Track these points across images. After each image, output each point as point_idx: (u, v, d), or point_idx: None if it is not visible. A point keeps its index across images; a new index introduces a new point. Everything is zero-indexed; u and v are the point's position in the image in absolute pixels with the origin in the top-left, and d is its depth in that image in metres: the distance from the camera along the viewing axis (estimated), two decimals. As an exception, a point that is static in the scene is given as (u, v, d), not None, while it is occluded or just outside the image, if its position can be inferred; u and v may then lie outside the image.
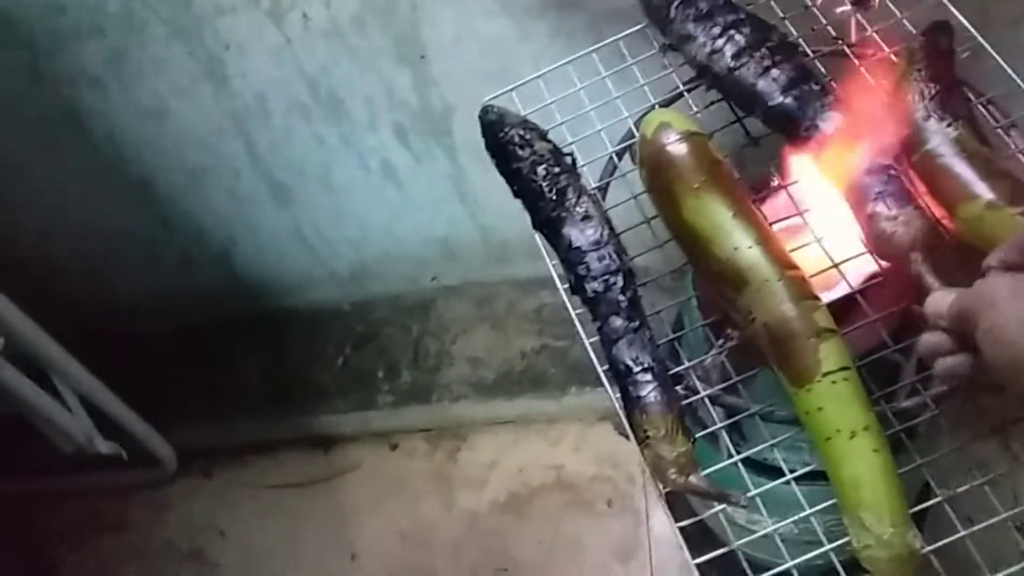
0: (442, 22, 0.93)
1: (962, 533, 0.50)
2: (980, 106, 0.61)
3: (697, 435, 0.56)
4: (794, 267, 0.55)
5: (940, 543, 0.50)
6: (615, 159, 0.69)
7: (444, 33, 0.94)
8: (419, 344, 1.38)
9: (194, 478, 1.39)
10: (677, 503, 0.73)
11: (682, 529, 0.56)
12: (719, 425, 0.58)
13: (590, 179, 0.67)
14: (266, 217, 1.23)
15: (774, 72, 0.60)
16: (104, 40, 0.97)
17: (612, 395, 0.58)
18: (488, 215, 1.21)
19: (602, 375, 0.60)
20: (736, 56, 0.61)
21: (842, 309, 0.59)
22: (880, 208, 0.54)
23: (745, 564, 0.55)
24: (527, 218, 0.65)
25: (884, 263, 0.56)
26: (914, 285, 0.52)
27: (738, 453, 0.57)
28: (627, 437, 0.66)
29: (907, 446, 0.54)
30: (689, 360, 0.60)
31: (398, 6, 0.91)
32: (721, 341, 0.61)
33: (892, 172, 0.55)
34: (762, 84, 0.60)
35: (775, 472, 0.56)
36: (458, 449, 1.34)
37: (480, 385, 1.33)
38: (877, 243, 0.55)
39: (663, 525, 1.16)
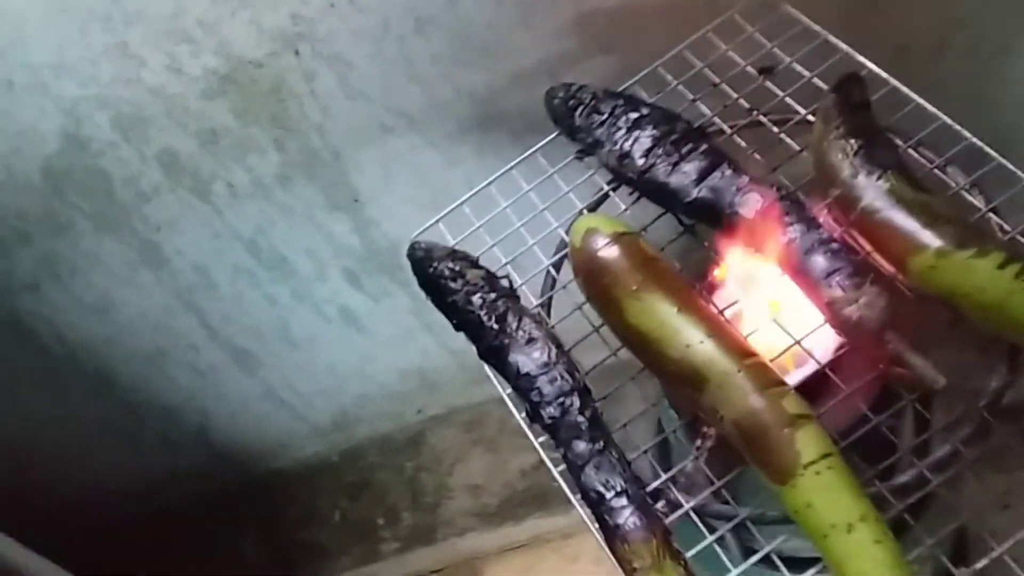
0: (367, 164, 0.92)
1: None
2: (911, 150, 0.59)
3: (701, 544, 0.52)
4: (752, 354, 0.52)
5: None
6: (553, 272, 0.66)
7: (372, 174, 0.93)
8: (415, 482, 1.33)
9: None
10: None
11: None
12: (711, 538, 0.53)
13: (531, 298, 0.65)
14: (235, 385, 1.20)
15: (684, 167, 0.58)
16: (32, 246, 0.96)
17: (590, 524, 0.54)
18: (457, 339, 1.16)
19: (577, 504, 0.55)
20: (644, 156, 0.59)
21: (815, 387, 0.55)
22: (836, 292, 0.51)
23: None
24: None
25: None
26: (893, 360, 0.49)
27: (752, 551, 0.52)
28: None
29: (913, 524, 0.50)
30: (676, 464, 0.56)
31: (320, 158, 0.90)
32: (698, 443, 0.57)
33: (834, 245, 0.52)
34: (675, 181, 0.58)
35: (802, 563, 0.51)
36: (475, 584, 1.28)
37: (485, 513, 1.27)
38: (844, 330, 0.52)
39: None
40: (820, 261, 0.52)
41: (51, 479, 1.25)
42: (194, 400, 1.23)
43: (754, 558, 0.51)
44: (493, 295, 0.62)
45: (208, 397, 1.22)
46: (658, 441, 0.62)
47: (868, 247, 0.53)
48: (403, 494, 1.33)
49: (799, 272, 0.53)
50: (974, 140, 0.56)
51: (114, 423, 1.23)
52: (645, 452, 0.58)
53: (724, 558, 0.52)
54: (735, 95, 0.65)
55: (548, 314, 0.64)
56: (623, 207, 0.65)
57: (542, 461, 1.30)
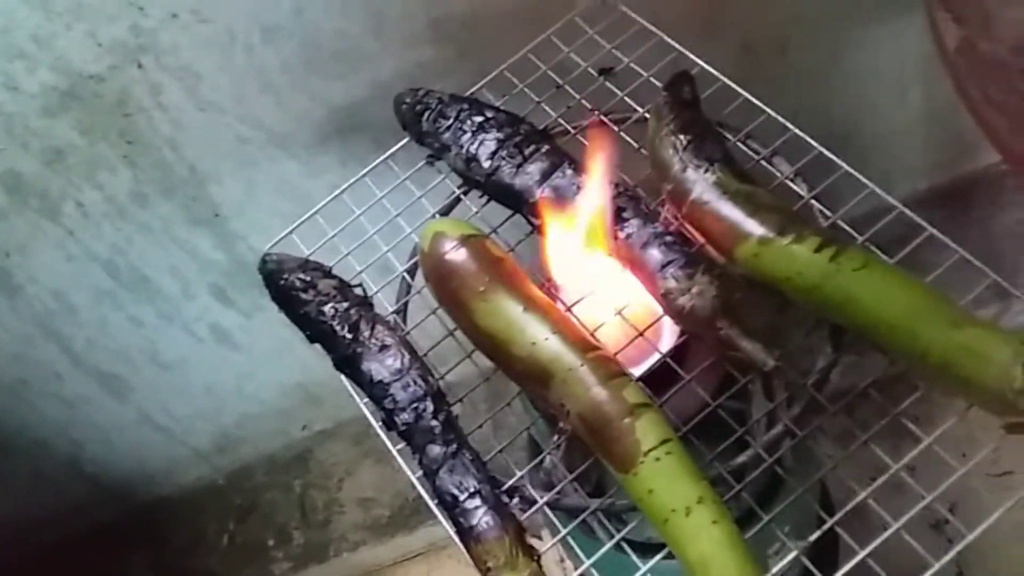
0: (227, 178, 0.90)
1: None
2: (740, 143, 0.61)
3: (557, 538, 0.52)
4: (595, 348, 0.53)
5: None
6: (408, 278, 0.66)
7: (233, 187, 0.91)
8: (305, 499, 1.31)
9: None
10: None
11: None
12: (564, 532, 0.54)
13: (387, 305, 0.65)
14: (106, 413, 1.15)
15: (528, 168, 0.59)
16: None
17: (449, 528, 0.54)
18: (338, 352, 1.16)
19: (435, 509, 0.55)
20: (490, 158, 0.60)
21: (664, 377, 0.57)
22: (671, 283, 0.52)
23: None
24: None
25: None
26: (727, 345, 0.51)
27: (626, 539, 0.53)
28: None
29: (753, 504, 0.52)
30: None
31: (175, 173, 0.87)
32: (554, 439, 0.57)
33: (668, 238, 0.54)
34: (519, 182, 0.59)
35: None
36: (372, 599, 1.26)
37: (377, 525, 1.26)
38: (679, 320, 0.53)
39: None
40: (655, 254, 0.53)
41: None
42: (65, 431, 1.17)
43: (602, 550, 0.52)
44: (345, 304, 0.61)
45: (79, 427, 1.17)
46: (517, 440, 0.62)
47: (700, 238, 0.55)
48: (293, 513, 1.31)
49: (637, 265, 0.55)
50: (796, 131, 0.59)
51: (-23, 461, 1.17)
52: (501, 451, 0.58)
53: (577, 549, 0.53)
54: (577, 96, 0.67)
55: (404, 321, 0.64)
56: (474, 210, 0.66)
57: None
